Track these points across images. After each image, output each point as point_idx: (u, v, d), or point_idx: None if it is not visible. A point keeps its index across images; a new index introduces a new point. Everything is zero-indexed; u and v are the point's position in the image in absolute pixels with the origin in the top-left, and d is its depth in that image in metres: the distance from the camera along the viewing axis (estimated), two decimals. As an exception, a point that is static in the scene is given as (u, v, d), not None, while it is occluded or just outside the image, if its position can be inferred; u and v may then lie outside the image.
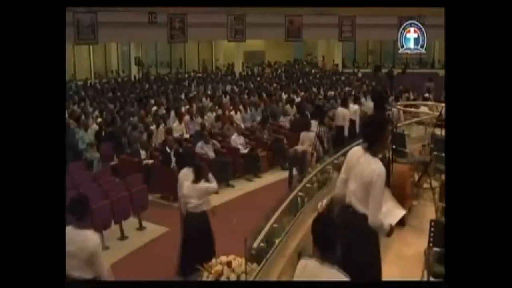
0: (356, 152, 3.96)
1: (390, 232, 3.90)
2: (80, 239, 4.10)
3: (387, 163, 7.00)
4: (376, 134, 3.88)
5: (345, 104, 12.67)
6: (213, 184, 6.27)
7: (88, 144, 11.12)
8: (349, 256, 3.51)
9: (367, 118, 4.04)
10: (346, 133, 11.90)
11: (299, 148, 9.60)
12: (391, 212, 4.06)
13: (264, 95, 16.64)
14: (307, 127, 9.78)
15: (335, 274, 2.93)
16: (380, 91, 15.61)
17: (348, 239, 3.43)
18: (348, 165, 4.00)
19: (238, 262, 4.60)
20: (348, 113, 12.30)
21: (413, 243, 5.70)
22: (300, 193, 5.87)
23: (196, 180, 6.05)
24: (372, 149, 3.84)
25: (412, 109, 12.04)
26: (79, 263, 4.08)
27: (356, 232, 3.80)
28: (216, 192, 6.82)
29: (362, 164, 3.82)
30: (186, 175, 6.23)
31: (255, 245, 4.41)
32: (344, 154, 8.05)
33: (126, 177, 9.09)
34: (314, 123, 9.76)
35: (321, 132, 9.29)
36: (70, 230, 4.00)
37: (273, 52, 29.59)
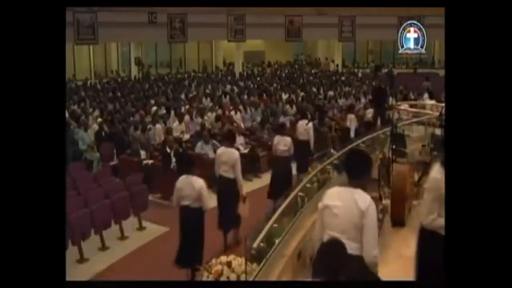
0: None
1: None
2: (229, 151, 7.35)
3: (387, 163, 7.04)
4: None
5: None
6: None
7: (88, 144, 11.12)
8: None
9: None
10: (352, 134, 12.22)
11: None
12: None
13: (264, 95, 16.63)
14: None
15: (360, 193, 3.51)
16: (381, 87, 15.54)
17: None
18: None
19: (238, 262, 4.60)
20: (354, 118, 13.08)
21: (413, 243, 5.69)
22: (300, 193, 5.86)
23: (281, 134, 8.96)
24: None
25: (413, 109, 12.05)
26: (228, 167, 7.25)
27: None
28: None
29: None
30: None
31: (255, 245, 4.40)
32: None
33: (126, 177, 9.08)
34: None
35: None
36: (223, 148, 7.54)
37: (273, 52, 29.59)
